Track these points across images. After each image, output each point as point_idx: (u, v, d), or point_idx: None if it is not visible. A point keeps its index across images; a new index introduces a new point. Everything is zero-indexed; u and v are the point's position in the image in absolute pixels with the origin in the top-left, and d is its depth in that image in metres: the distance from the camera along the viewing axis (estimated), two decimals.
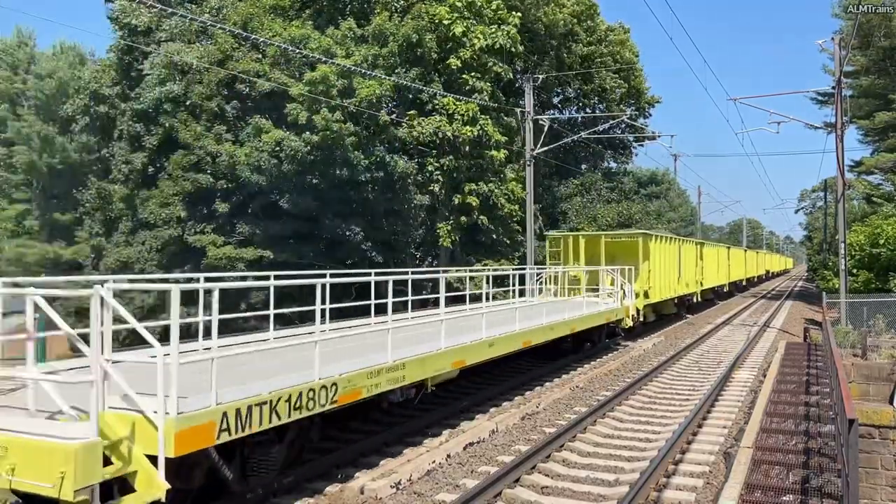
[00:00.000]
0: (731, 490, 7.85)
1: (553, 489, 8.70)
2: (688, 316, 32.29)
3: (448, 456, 9.75)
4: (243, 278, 22.17)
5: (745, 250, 62.18)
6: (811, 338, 22.42)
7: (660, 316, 28.22)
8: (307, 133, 24.50)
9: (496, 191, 29.64)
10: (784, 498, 7.94)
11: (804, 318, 31.75)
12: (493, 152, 29.11)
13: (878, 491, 12.07)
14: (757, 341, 23.50)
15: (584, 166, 46.38)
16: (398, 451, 10.01)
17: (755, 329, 27.57)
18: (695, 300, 33.98)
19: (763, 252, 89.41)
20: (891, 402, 13.91)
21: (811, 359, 17.83)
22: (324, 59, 23.96)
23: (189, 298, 25.86)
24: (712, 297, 40.72)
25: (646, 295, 23.83)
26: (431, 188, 28.11)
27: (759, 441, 9.93)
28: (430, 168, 27.90)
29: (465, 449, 10.19)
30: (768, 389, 13.71)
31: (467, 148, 28.02)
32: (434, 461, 9.43)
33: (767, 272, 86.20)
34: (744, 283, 57.05)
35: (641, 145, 48.19)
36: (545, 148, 31.48)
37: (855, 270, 28.44)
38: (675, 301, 29.71)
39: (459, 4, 27.75)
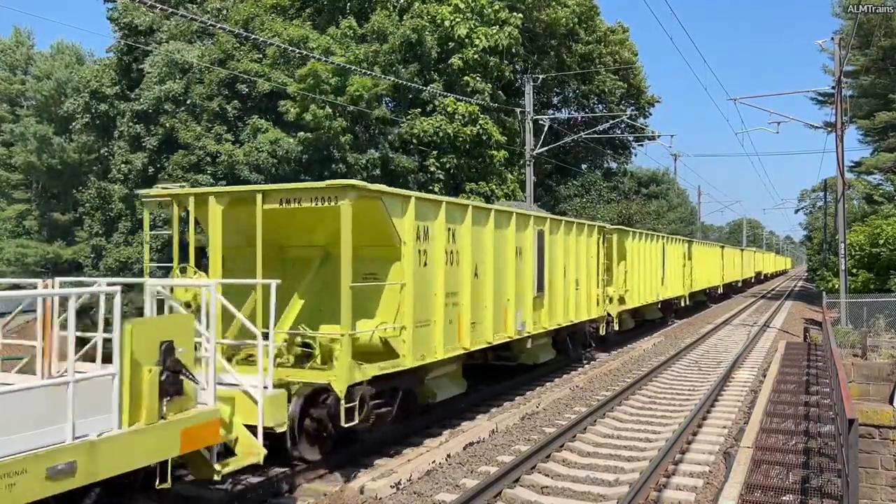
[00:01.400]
0: (731, 490, 7.84)
1: (553, 489, 8.70)
2: (582, 367, 18.05)
3: (448, 456, 9.75)
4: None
5: (723, 247, 45.98)
6: (811, 338, 22.42)
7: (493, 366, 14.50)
8: (302, 133, 24.54)
9: (497, 190, 29.65)
10: (784, 498, 7.94)
11: (804, 318, 31.74)
12: (494, 152, 29.11)
13: (878, 491, 12.06)
14: (757, 341, 23.50)
15: (584, 166, 46.41)
16: (398, 451, 10.00)
17: (755, 329, 27.57)
18: (606, 330, 19.73)
19: (753, 250, 72.78)
20: (891, 402, 13.90)
21: (811, 359, 17.84)
22: (322, 58, 23.97)
23: None
24: (662, 316, 27.80)
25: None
26: (432, 188, 28.10)
27: (759, 441, 9.93)
28: (432, 168, 27.90)
29: (464, 449, 10.19)
30: (768, 389, 13.71)
31: (468, 147, 28.02)
32: (434, 461, 9.43)
33: (759, 274, 71.16)
34: (719, 291, 43.26)
35: (641, 145, 48.25)
36: (545, 148, 31.47)
37: (855, 270, 28.43)
38: (550, 335, 15.70)
39: (462, 5, 27.76)
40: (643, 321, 25.61)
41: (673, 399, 14.25)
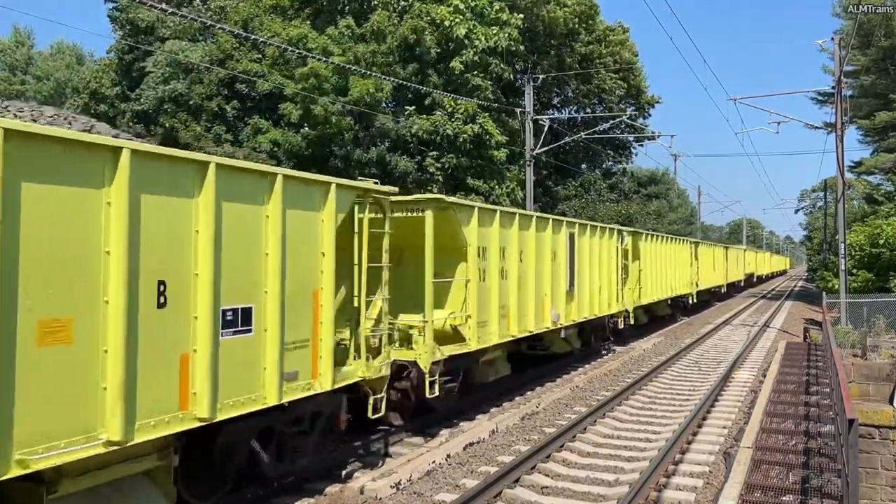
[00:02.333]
0: (731, 490, 7.84)
1: (553, 489, 8.69)
2: None
3: (448, 456, 9.74)
4: None
5: (696, 244, 34.70)
6: (811, 338, 22.42)
7: None
8: (305, 129, 24.61)
9: (497, 190, 29.66)
10: (784, 498, 7.94)
11: (804, 318, 31.74)
12: (494, 151, 29.10)
13: (878, 491, 12.06)
14: (757, 341, 23.51)
15: (584, 166, 46.44)
16: (398, 451, 10.00)
17: (755, 329, 27.57)
18: (397, 408, 10.92)
19: (743, 248, 60.95)
20: (891, 402, 13.91)
21: (811, 359, 17.83)
22: (321, 57, 24.00)
23: None
24: (570, 350, 17.70)
25: None
26: (431, 188, 28.11)
27: (759, 441, 9.93)
28: (430, 169, 27.89)
29: (464, 449, 10.18)
30: (768, 389, 13.71)
31: (468, 146, 28.01)
32: (434, 461, 9.43)
33: (751, 276, 62.05)
34: (691, 300, 32.70)
35: (641, 145, 48.29)
36: (545, 148, 31.48)
37: (855, 270, 28.46)
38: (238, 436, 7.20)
39: (462, 6, 27.77)
40: (530, 355, 15.87)
41: (673, 399, 14.24)
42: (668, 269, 27.66)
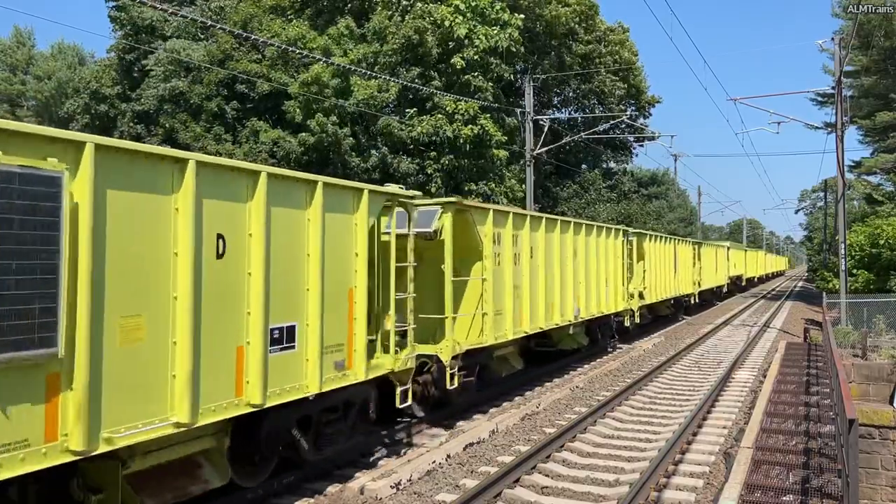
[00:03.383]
0: (731, 490, 7.84)
1: (553, 489, 8.69)
2: None
3: (448, 456, 9.74)
4: None
5: (638, 237, 22.57)
6: (811, 338, 22.43)
7: None
8: (303, 134, 24.60)
9: (497, 189, 29.65)
10: (784, 498, 7.94)
11: (804, 318, 31.75)
12: (494, 150, 29.09)
13: (878, 491, 12.06)
14: (757, 341, 23.51)
15: (584, 167, 46.45)
16: (398, 451, 10.00)
17: (755, 329, 27.58)
18: None
19: (726, 245, 47.61)
20: (891, 402, 13.92)
21: (811, 359, 17.84)
22: (322, 58, 24.01)
23: None
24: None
25: None
26: (430, 188, 28.12)
27: (759, 441, 9.93)
28: (429, 170, 27.87)
29: (464, 449, 10.18)
30: (768, 389, 13.71)
31: (468, 147, 27.99)
32: (434, 461, 9.43)
33: (738, 279, 52.71)
34: (630, 321, 21.51)
35: (641, 145, 48.31)
36: (545, 148, 31.48)
37: (855, 270, 28.47)
38: None
39: (463, 6, 27.77)
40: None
41: (673, 399, 14.24)
42: (575, 273, 16.45)
